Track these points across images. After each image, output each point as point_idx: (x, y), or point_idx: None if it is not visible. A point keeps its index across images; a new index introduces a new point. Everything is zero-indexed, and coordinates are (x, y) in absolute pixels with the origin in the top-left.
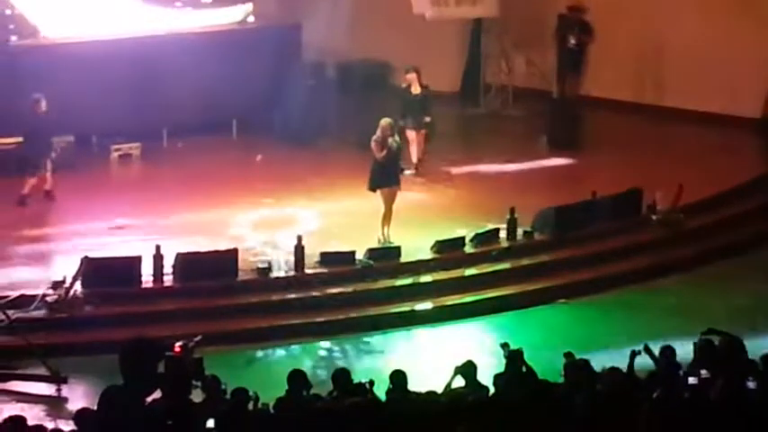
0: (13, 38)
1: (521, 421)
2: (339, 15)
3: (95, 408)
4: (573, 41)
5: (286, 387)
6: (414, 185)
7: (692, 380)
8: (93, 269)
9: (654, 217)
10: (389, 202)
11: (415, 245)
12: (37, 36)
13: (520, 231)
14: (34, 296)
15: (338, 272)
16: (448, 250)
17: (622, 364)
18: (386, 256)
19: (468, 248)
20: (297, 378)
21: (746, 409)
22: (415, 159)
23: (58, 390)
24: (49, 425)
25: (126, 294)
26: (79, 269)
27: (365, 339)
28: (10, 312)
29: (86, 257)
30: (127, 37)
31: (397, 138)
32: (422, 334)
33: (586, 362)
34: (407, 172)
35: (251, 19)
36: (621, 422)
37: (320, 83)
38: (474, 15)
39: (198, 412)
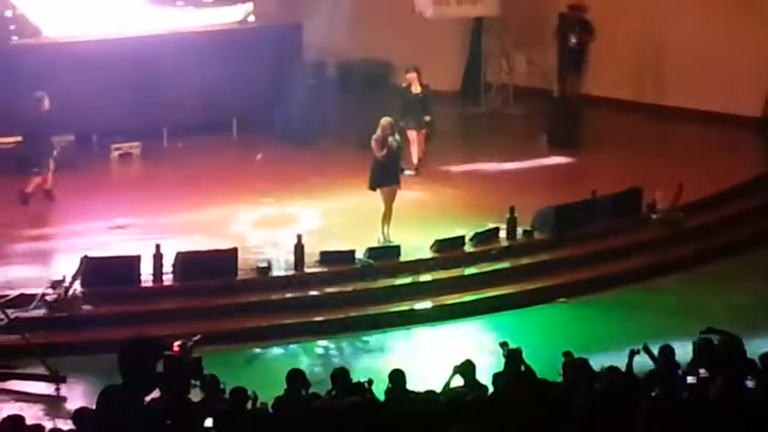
0: (14, 38)
1: (520, 420)
2: (340, 15)
3: (94, 407)
4: (574, 40)
5: (285, 386)
6: (414, 184)
7: (690, 379)
8: (92, 268)
9: (654, 216)
10: (389, 202)
11: (415, 244)
12: (38, 36)
13: (519, 230)
14: (33, 295)
15: (338, 271)
16: (447, 249)
17: (621, 364)
18: (385, 256)
19: (468, 248)
20: (296, 377)
21: (745, 408)
22: (415, 159)
23: (57, 389)
24: (48, 424)
25: (125, 294)
26: (79, 268)
27: (364, 338)
28: (9, 311)
29: (86, 256)
30: (127, 36)
31: (397, 137)
32: (421, 333)
33: (585, 361)
34: (407, 172)
35: (251, 18)
36: (620, 421)
37: (321, 82)
38: (475, 14)
39: (196, 411)
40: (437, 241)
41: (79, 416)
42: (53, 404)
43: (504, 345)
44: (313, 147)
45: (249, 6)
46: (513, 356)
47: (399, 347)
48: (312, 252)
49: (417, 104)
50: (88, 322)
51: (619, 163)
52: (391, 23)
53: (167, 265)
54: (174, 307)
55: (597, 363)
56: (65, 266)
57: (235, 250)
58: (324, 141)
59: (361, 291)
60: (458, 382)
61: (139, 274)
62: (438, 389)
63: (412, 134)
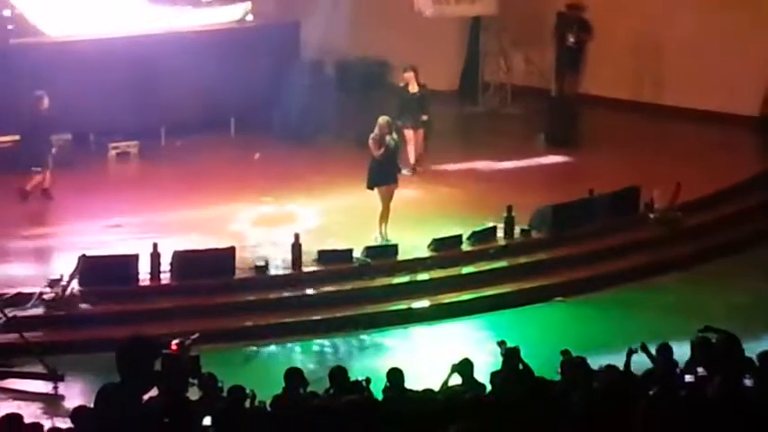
0: (13, 37)
1: (517, 419)
2: (338, 14)
3: (92, 405)
4: (572, 39)
5: (283, 385)
6: (411, 184)
7: (688, 378)
8: (90, 267)
9: (651, 215)
10: (387, 200)
11: (413, 243)
12: (37, 35)
13: (517, 229)
14: (31, 294)
15: (335, 270)
16: (445, 248)
17: (619, 363)
18: (383, 254)
19: (466, 246)
20: (293, 376)
21: (743, 406)
22: (412, 159)
23: (55, 387)
24: (46, 423)
25: (123, 292)
26: (76, 267)
27: (362, 337)
28: (7, 310)
29: (84, 255)
30: (125, 35)
31: (394, 136)
32: (419, 332)
33: (583, 360)
34: (404, 172)
35: (250, 17)
36: (618, 420)
37: (319, 81)
38: (473, 13)
39: (195, 410)
40: (435, 240)
41: (77, 414)
42: (51, 402)
43: (501, 343)
44: (311, 145)
45: (247, 5)
46: (510, 355)
47: (397, 346)
48: (310, 251)
49: (415, 104)
50: (86, 321)
51: (616, 162)
52: (389, 23)
53: (165, 264)
54: (171, 305)
55: (595, 361)
56: (62, 265)
57: (232, 249)
58: (322, 140)
59: (358, 289)
60: (456, 380)
61: (137, 273)
62: (436, 387)
63: (409, 133)
